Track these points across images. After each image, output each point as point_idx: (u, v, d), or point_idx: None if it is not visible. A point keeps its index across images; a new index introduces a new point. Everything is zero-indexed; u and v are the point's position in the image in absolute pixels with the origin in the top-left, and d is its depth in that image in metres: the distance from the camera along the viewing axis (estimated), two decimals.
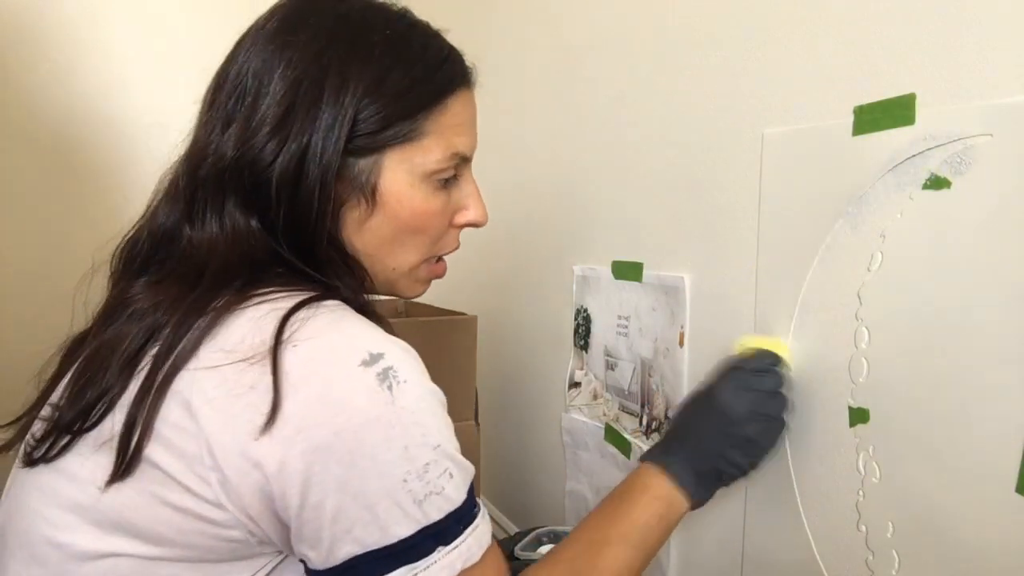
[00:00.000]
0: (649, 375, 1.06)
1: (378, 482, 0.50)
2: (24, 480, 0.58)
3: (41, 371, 0.63)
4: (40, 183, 1.67)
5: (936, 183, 0.65)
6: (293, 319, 0.52)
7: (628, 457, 1.11)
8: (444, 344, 1.30)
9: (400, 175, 0.62)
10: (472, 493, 0.56)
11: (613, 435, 1.15)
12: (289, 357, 0.50)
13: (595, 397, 1.21)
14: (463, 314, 1.34)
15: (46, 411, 0.58)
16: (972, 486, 0.63)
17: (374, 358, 0.51)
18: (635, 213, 1.10)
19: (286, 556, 0.55)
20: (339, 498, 0.49)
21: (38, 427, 0.57)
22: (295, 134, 0.58)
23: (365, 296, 0.63)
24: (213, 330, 0.53)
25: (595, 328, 1.19)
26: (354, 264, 0.63)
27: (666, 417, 1.03)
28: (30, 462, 0.57)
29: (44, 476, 0.56)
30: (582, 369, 1.24)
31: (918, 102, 0.67)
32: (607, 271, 1.15)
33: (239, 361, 0.51)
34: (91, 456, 0.53)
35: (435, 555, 0.52)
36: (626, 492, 0.72)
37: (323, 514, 0.50)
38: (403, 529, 0.51)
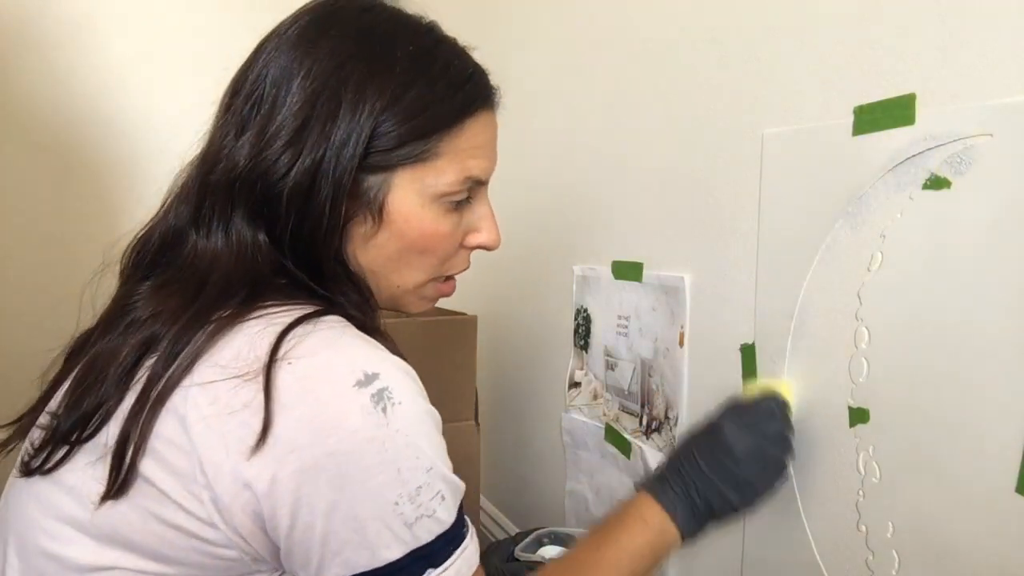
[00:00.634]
0: (649, 375, 1.06)
1: (369, 505, 0.49)
2: (22, 489, 0.57)
3: (46, 372, 0.63)
4: (40, 183, 1.67)
5: (936, 183, 0.65)
6: (291, 335, 0.52)
7: (628, 457, 1.11)
8: (444, 344, 1.30)
9: (410, 195, 0.60)
10: (461, 513, 0.56)
11: (613, 435, 1.15)
12: (283, 375, 0.49)
13: (595, 397, 1.21)
14: (463, 314, 1.35)
15: (44, 419, 0.58)
16: (972, 486, 0.63)
17: (369, 378, 0.50)
18: (635, 213, 1.10)
19: (283, 573, 0.54)
20: (329, 520, 0.49)
21: (37, 435, 0.57)
22: (309, 148, 0.57)
23: (371, 311, 0.62)
24: (210, 346, 0.52)
25: (595, 328, 1.19)
26: (358, 280, 0.62)
27: (666, 417, 1.03)
28: (27, 472, 0.56)
29: (42, 486, 0.55)
30: (582, 369, 1.24)
31: (918, 102, 0.66)
32: (607, 271, 1.15)
33: (233, 378, 0.50)
34: (87, 469, 0.53)
35: None
36: (620, 518, 0.72)
37: (313, 536, 0.49)
38: (393, 552, 0.50)
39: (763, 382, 0.79)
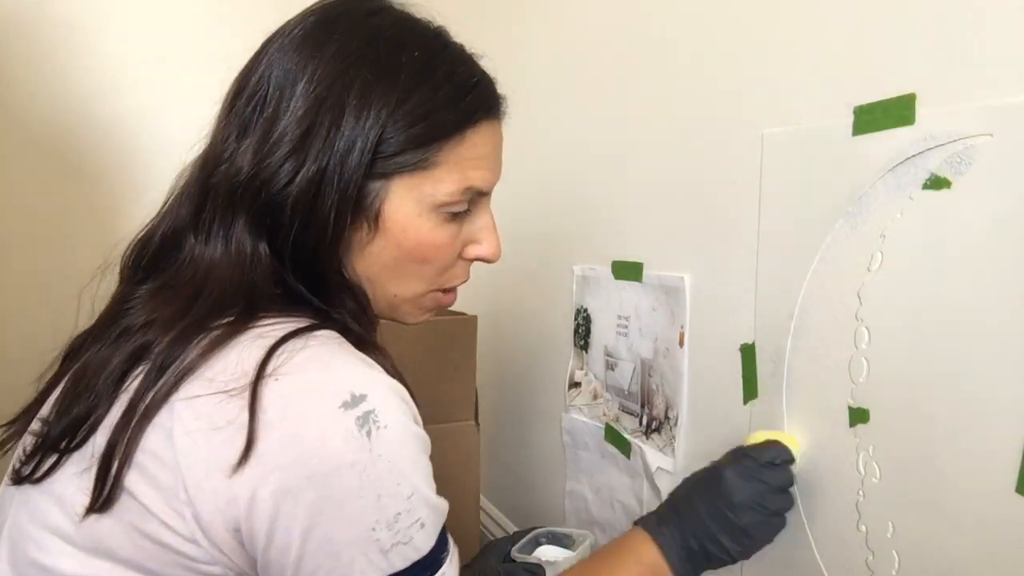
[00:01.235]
0: (649, 375, 1.06)
1: (346, 530, 0.49)
2: (14, 497, 0.57)
3: (43, 373, 0.63)
4: (40, 183, 1.67)
5: (936, 183, 0.65)
6: (280, 350, 0.51)
7: (628, 457, 1.11)
8: (444, 344, 1.30)
9: (407, 203, 0.59)
10: (443, 537, 0.55)
11: (613, 435, 1.15)
12: (269, 392, 0.49)
13: (595, 397, 1.21)
14: (463, 314, 1.34)
15: (36, 425, 0.57)
16: (972, 486, 0.63)
17: (356, 400, 0.49)
18: (635, 213, 1.10)
19: None
20: (304, 543, 0.49)
21: (29, 441, 0.57)
22: (313, 156, 0.56)
23: (368, 322, 0.62)
24: (202, 363, 0.51)
25: (595, 328, 1.19)
26: (357, 290, 0.61)
27: (666, 417, 1.03)
28: (18, 480, 0.56)
29: (32, 495, 0.55)
30: (582, 369, 1.24)
31: (918, 102, 0.66)
32: (607, 271, 1.15)
33: (220, 392, 0.49)
34: (74, 479, 0.52)
35: None
36: (614, 553, 0.72)
37: (288, 556, 0.49)
38: None
39: (770, 432, 0.79)
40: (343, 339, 0.55)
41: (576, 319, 1.25)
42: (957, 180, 0.63)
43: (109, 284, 0.65)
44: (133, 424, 0.50)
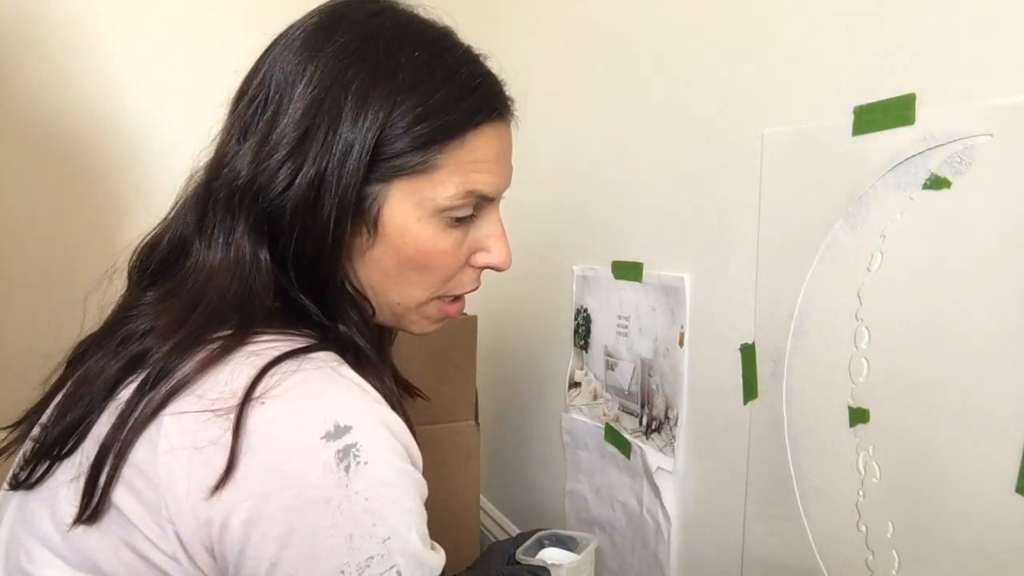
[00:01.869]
0: (649, 375, 1.06)
1: (312, 568, 0.47)
2: (11, 503, 0.57)
3: (49, 377, 0.62)
4: (40, 184, 1.67)
5: (936, 183, 0.65)
6: (273, 371, 0.49)
7: (628, 457, 1.11)
8: (444, 344, 1.30)
9: (406, 207, 0.57)
10: None
11: (613, 435, 1.15)
12: (255, 416, 0.47)
13: (595, 397, 1.21)
14: (463, 314, 1.34)
15: (36, 431, 0.57)
16: (972, 486, 0.63)
17: (339, 431, 0.47)
18: (635, 213, 1.10)
19: None
20: (269, 574, 0.47)
21: (28, 447, 0.56)
22: (312, 159, 0.55)
23: (372, 333, 0.60)
24: (197, 379, 0.50)
25: (595, 328, 1.19)
26: (360, 298, 0.59)
27: (666, 417, 1.03)
28: (14, 486, 0.55)
29: (28, 502, 0.54)
30: (582, 369, 1.24)
31: (918, 102, 0.67)
32: (607, 271, 1.15)
33: (207, 411, 0.48)
34: (63, 488, 0.52)
35: None
36: None
37: None
38: None
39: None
40: (341, 361, 0.54)
41: (576, 319, 1.25)
42: (957, 180, 0.63)
43: (116, 288, 0.64)
44: (123, 436, 0.49)
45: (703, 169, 0.95)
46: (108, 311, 0.62)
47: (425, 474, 0.54)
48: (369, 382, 0.54)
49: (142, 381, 0.51)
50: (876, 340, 0.71)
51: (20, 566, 0.52)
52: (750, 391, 0.87)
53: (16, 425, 0.60)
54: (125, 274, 0.63)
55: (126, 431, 0.49)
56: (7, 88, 1.62)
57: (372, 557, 0.48)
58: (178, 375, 0.50)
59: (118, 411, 0.51)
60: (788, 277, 0.80)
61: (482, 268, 0.66)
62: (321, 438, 0.47)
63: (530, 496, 1.50)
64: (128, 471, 0.49)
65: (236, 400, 0.48)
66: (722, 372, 0.92)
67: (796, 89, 0.81)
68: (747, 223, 0.87)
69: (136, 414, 0.50)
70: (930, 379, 0.66)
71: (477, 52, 0.63)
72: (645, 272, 1.06)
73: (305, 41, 0.58)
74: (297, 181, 0.55)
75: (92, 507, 0.49)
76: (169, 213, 0.63)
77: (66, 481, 0.52)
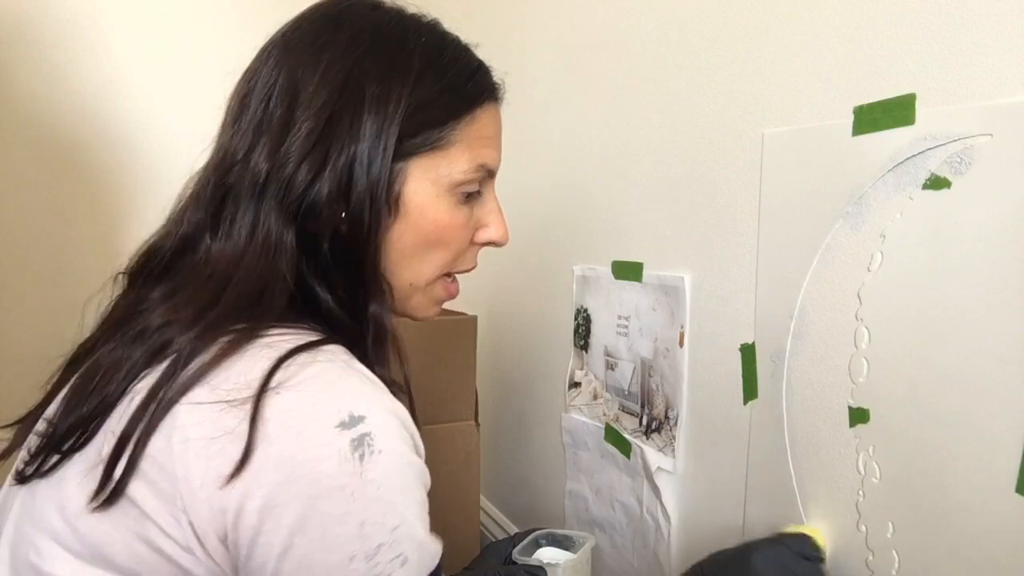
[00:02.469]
0: (649, 375, 1.06)
1: (324, 555, 0.48)
2: (16, 497, 0.57)
3: (50, 378, 0.62)
4: (40, 184, 1.67)
5: (936, 183, 0.65)
6: (288, 363, 0.50)
7: (628, 457, 1.11)
8: (444, 344, 1.30)
9: (425, 184, 0.60)
10: None
11: (613, 435, 1.15)
12: (270, 406, 0.48)
13: (595, 397, 1.21)
14: (463, 314, 1.34)
15: (41, 426, 0.57)
16: (972, 486, 0.63)
17: (353, 420, 0.49)
18: (635, 213, 1.10)
19: None
20: (282, 562, 0.48)
21: (34, 442, 0.56)
22: (339, 144, 0.56)
23: (389, 321, 0.61)
24: (214, 368, 0.51)
25: (595, 328, 1.19)
26: (384, 281, 0.60)
27: (666, 417, 1.03)
28: (21, 480, 0.56)
29: (35, 497, 0.54)
30: (582, 369, 1.24)
31: (918, 102, 0.67)
32: (607, 271, 1.15)
33: (221, 401, 0.49)
34: (74, 480, 0.52)
35: None
36: None
37: (265, 574, 0.48)
38: None
39: (802, 527, 0.78)
40: (350, 355, 0.54)
41: (576, 319, 1.25)
42: (957, 180, 0.63)
43: (115, 292, 0.64)
44: (143, 426, 0.50)
45: (703, 169, 0.95)
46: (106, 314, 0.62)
47: None
48: (376, 374, 0.55)
49: (165, 370, 0.51)
50: (876, 340, 0.71)
51: (28, 561, 0.52)
52: (750, 391, 0.87)
53: (19, 422, 0.60)
54: (122, 277, 0.63)
55: (146, 420, 0.50)
56: (7, 88, 1.62)
57: (381, 544, 0.49)
58: (194, 366, 0.51)
59: (136, 402, 0.51)
60: (788, 277, 0.81)
61: (483, 245, 0.68)
62: (336, 427, 0.48)
63: (530, 496, 1.50)
64: (144, 462, 0.50)
65: (252, 391, 0.48)
66: (722, 372, 0.92)
67: (796, 89, 0.81)
68: (747, 223, 0.87)
69: (155, 404, 0.50)
70: (930, 379, 0.66)
71: (466, 42, 0.66)
72: (645, 272, 1.06)
73: (312, 35, 0.60)
74: (328, 168, 0.56)
75: (107, 493, 0.49)
76: (170, 217, 0.63)
77: (81, 472, 0.52)
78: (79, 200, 1.69)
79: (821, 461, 0.77)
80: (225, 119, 0.62)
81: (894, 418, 0.70)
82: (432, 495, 0.54)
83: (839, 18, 0.75)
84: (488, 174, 0.65)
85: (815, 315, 0.78)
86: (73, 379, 0.58)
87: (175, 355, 0.52)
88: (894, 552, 0.70)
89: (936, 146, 0.65)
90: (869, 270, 0.71)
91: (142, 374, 0.53)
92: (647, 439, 1.07)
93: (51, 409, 0.59)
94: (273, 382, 0.49)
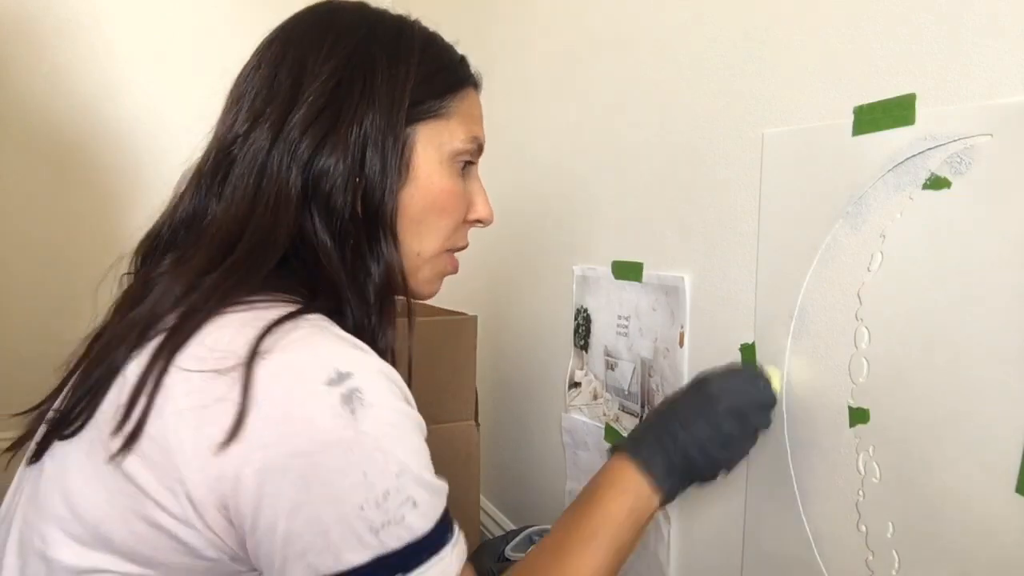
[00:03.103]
0: (649, 375, 1.06)
1: (333, 508, 0.48)
2: (23, 490, 0.57)
3: (61, 367, 0.62)
4: (40, 183, 1.67)
5: (936, 183, 0.65)
6: (273, 331, 0.51)
7: None
8: (444, 344, 1.30)
9: (430, 151, 0.63)
10: (445, 519, 0.54)
11: (613, 435, 1.15)
12: (259, 371, 0.49)
13: (595, 397, 1.21)
14: (463, 314, 1.34)
15: (51, 415, 0.57)
16: (972, 486, 0.63)
17: (341, 377, 0.49)
18: (635, 213, 1.10)
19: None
20: (291, 521, 0.48)
21: (43, 430, 0.57)
22: (350, 110, 0.59)
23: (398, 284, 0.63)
24: (197, 343, 0.52)
25: (595, 328, 1.19)
26: (397, 241, 0.63)
27: None
28: (31, 461, 0.56)
29: (40, 484, 0.55)
30: (582, 369, 1.24)
31: (918, 102, 0.67)
32: (607, 271, 1.15)
33: (211, 371, 0.49)
34: (80, 461, 0.53)
35: None
36: (595, 487, 0.70)
37: (275, 536, 0.49)
38: (357, 556, 0.49)
39: (755, 366, 0.80)
40: (331, 322, 0.56)
41: (576, 319, 1.25)
42: (957, 180, 0.63)
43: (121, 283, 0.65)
44: (152, 380, 0.50)
45: (703, 169, 0.95)
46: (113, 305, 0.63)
47: None
48: (379, 340, 0.59)
49: (160, 343, 0.52)
50: (876, 340, 0.71)
51: (35, 548, 0.53)
52: None
53: (33, 410, 0.61)
54: (131, 262, 0.64)
55: (142, 396, 0.50)
56: (7, 88, 1.62)
57: (388, 490, 0.50)
58: (180, 338, 0.52)
59: (130, 383, 0.51)
60: (788, 277, 0.80)
61: (473, 223, 0.71)
62: (324, 384, 0.49)
63: (530, 496, 1.50)
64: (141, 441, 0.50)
65: (239, 358, 0.49)
66: None
67: (796, 89, 0.81)
68: (747, 223, 0.87)
69: (147, 379, 0.51)
70: (930, 379, 0.66)
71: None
72: (645, 272, 1.06)
73: (313, 22, 0.64)
74: (339, 132, 0.59)
75: (131, 430, 0.50)
76: (170, 203, 0.64)
77: (80, 451, 0.53)
78: (79, 199, 1.69)
79: (821, 461, 0.77)
80: (225, 106, 0.64)
81: (894, 418, 0.70)
82: None
83: (839, 18, 0.75)
84: (479, 149, 0.68)
85: (815, 315, 0.78)
86: (83, 365, 0.58)
87: (170, 327, 0.53)
88: (894, 552, 0.70)
89: (936, 146, 0.65)
90: (869, 270, 0.71)
91: (136, 350, 0.54)
92: None
93: (59, 400, 0.59)
94: (260, 349, 0.50)
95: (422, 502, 0.52)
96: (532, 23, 1.41)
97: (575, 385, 1.26)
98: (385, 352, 0.59)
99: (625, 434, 1.11)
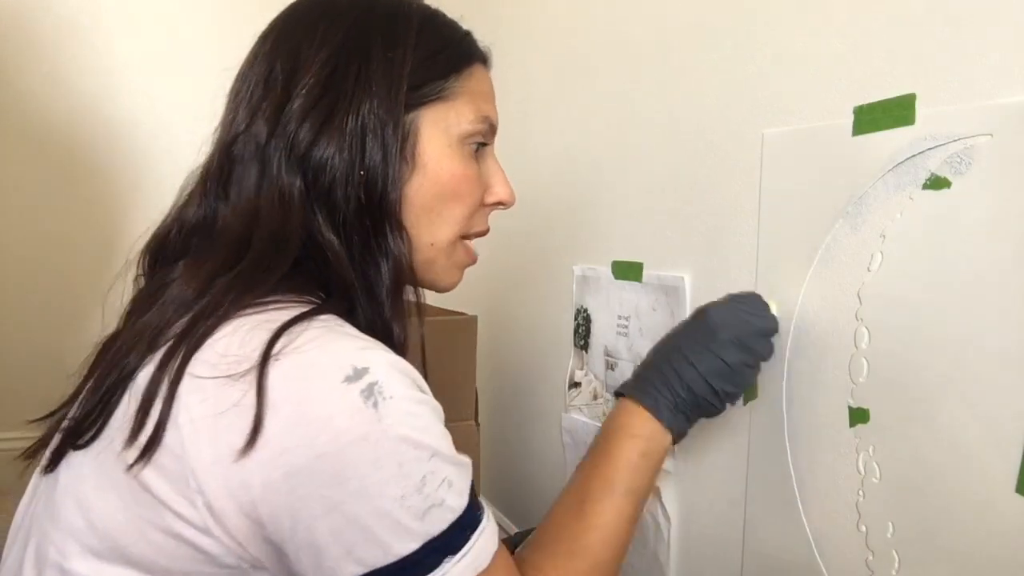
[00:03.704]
0: None
1: (372, 502, 0.48)
2: (39, 501, 0.57)
3: (73, 375, 0.61)
4: (40, 182, 1.67)
5: (936, 183, 0.65)
6: (286, 333, 0.50)
7: None
8: (444, 344, 1.30)
9: (437, 135, 0.62)
10: (473, 495, 0.54)
11: None
12: (273, 374, 0.48)
13: (595, 397, 1.21)
14: (463, 314, 1.34)
15: (66, 423, 0.57)
16: (972, 486, 0.63)
17: (358, 373, 0.49)
18: (635, 213, 1.10)
19: None
20: (332, 520, 0.48)
21: (57, 440, 0.56)
22: (346, 96, 0.58)
23: (411, 268, 0.62)
24: (208, 349, 0.51)
25: (595, 328, 1.19)
26: (405, 232, 0.61)
27: None
28: (46, 470, 0.56)
29: (55, 494, 0.55)
30: (582, 369, 1.24)
31: (918, 102, 0.67)
32: (607, 271, 1.15)
33: (223, 376, 0.49)
34: (89, 476, 0.52)
35: (444, 566, 0.50)
36: (606, 436, 0.70)
37: (317, 537, 0.48)
38: (406, 546, 0.49)
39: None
40: (344, 322, 0.55)
41: (576, 319, 1.25)
42: (957, 180, 0.63)
43: (128, 287, 0.64)
44: (167, 383, 0.50)
45: (703, 169, 0.95)
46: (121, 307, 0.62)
47: None
48: (391, 333, 0.58)
49: (168, 349, 0.51)
50: (876, 340, 0.71)
51: (51, 559, 0.53)
52: (750, 391, 0.87)
53: (49, 416, 0.60)
54: (140, 264, 0.64)
55: (155, 405, 0.50)
56: (7, 88, 1.62)
57: (424, 476, 0.50)
58: (191, 345, 0.51)
59: (141, 391, 0.51)
60: (788, 277, 0.80)
61: (492, 206, 0.69)
62: (342, 382, 0.48)
63: (530, 496, 1.50)
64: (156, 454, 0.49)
65: (252, 362, 0.48)
66: None
67: (796, 89, 0.81)
68: (747, 223, 0.87)
69: (159, 387, 0.50)
70: (930, 379, 0.66)
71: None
72: (645, 272, 1.06)
73: (307, 12, 0.62)
74: (335, 121, 0.58)
75: (149, 438, 0.49)
76: (175, 203, 0.63)
77: (94, 461, 0.52)
78: (79, 198, 1.69)
79: (821, 461, 0.77)
80: (227, 106, 0.63)
81: (894, 418, 0.70)
82: None
83: (839, 18, 0.75)
84: (491, 129, 0.66)
85: (815, 315, 0.78)
86: (96, 372, 0.58)
87: (179, 333, 0.52)
88: (894, 552, 0.70)
89: (936, 146, 0.65)
90: (869, 270, 0.71)
91: (147, 357, 0.53)
92: None
93: (74, 408, 0.59)
94: (272, 352, 0.49)
95: (456, 480, 0.52)
96: (534, 23, 1.41)
97: (575, 385, 1.26)
98: (398, 347, 0.59)
99: None
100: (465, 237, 0.67)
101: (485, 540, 0.53)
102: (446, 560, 0.50)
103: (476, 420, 1.36)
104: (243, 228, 0.57)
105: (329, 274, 0.58)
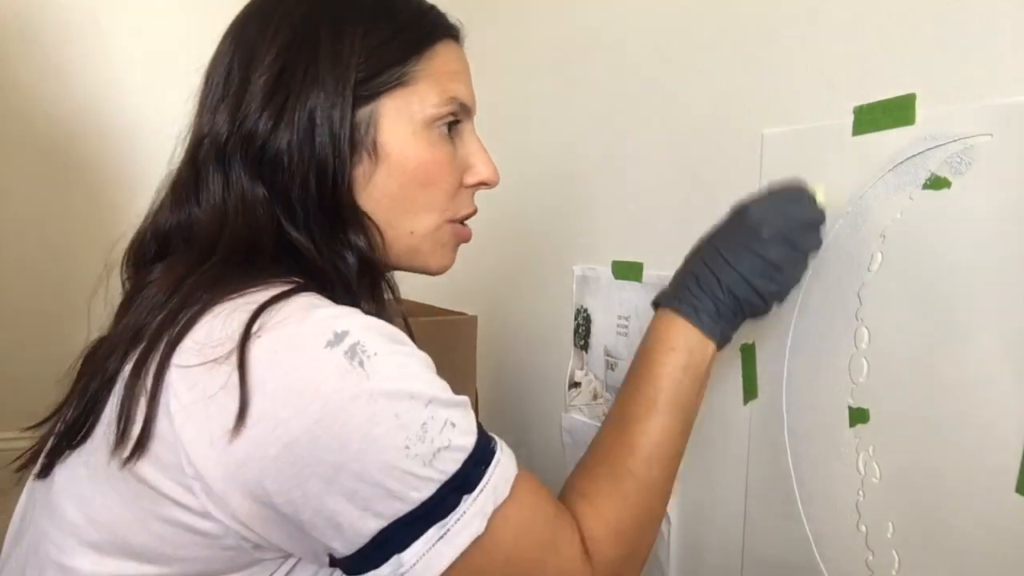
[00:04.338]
0: None
1: (379, 457, 0.48)
2: (36, 502, 0.57)
3: (61, 381, 0.62)
4: (40, 182, 1.67)
5: (936, 183, 0.65)
6: (265, 311, 0.51)
7: None
8: (444, 344, 1.30)
9: (400, 124, 0.60)
10: (481, 430, 0.54)
11: None
12: (254, 350, 0.49)
13: (595, 397, 1.21)
14: (463, 314, 1.34)
15: (60, 427, 0.57)
16: (972, 486, 0.63)
17: (339, 337, 0.49)
18: (635, 213, 1.10)
19: (297, 561, 0.53)
20: (341, 483, 0.48)
21: (50, 443, 0.57)
22: (296, 93, 0.57)
23: (379, 261, 0.62)
24: (190, 338, 0.51)
25: (595, 328, 1.19)
26: (371, 224, 0.61)
27: None
28: (40, 475, 0.56)
29: (51, 494, 0.55)
30: (582, 369, 1.24)
31: (918, 102, 0.67)
32: (607, 271, 1.15)
33: (208, 362, 0.49)
34: (84, 476, 0.53)
35: (463, 505, 0.50)
36: (645, 351, 0.67)
37: (331, 502, 0.48)
38: (422, 492, 0.49)
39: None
40: (321, 298, 0.55)
41: (576, 319, 1.25)
42: (957, 180, 0.63)
43: (114, 288, 0.65)
44: (151, 380, 0.50)
45: (703, 169, 0.95)
46: (110, 308, 0.63)
47: None
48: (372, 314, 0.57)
49: (148, 343, 0.52)
50: (876, 340, 0.71)
51: (51, 558, 0.53)
52: (750, 391, 0.87)
53: (43, 423, 0.60)
54: (123, 270, 0.64)
55: (152, 374, 0.50)
56: (7, 88, 1.62)
57: (424, 424, 0.50)
58: (171, 338, 0.51)
59: (125, 389, 0.51)
60: None
61: (474, 187, 0.67)
62: (324, 347, 0.49)
63: None
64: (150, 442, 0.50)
65: (233, 343, 0.49)
66: (722, 372, 0.92)
67: (796, 89, 0.81)
68: None
69: (142, 383, 0.50)
70: (930, 379, 0.66)
71: None
72: (645, 272, 1.06)
73: (259, 8, 0.62)
74: (286, 118, 0.57)
75: (137, 439, 0.49)
76: (150, 210, 0.64)
77: (88, 460, 0.53)
78: (79, 198, 1.69)
79: (821, 461, 0.77)
80: (196, 108, 0.64)
81: (894, 418, 0.70)
82: None
83: (839, 18, 0.75)
84: (462, 108, 0.64)
85: (815, 315, 0.78)
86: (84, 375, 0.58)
87: (155, 329, 0.52)
88: (894, 552, 0.70)
89: (936, 146, 0.65)
90: (869, 270, 0.71)
91: (128, 356, 0.53)
92: None
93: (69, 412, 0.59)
94: (252, 330, 0.49)
95: (459, 420, 0.52)
96: (531, 22, 1.41)
97: (575, 385, 1.26)
98: None
99: None
100: (453, 221, 0.66)
101: (502, 470, 0.53)
102: (464, 498, 0.50)
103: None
104: (215, 231, 0.58)
105: (304, 267, 0.58)
